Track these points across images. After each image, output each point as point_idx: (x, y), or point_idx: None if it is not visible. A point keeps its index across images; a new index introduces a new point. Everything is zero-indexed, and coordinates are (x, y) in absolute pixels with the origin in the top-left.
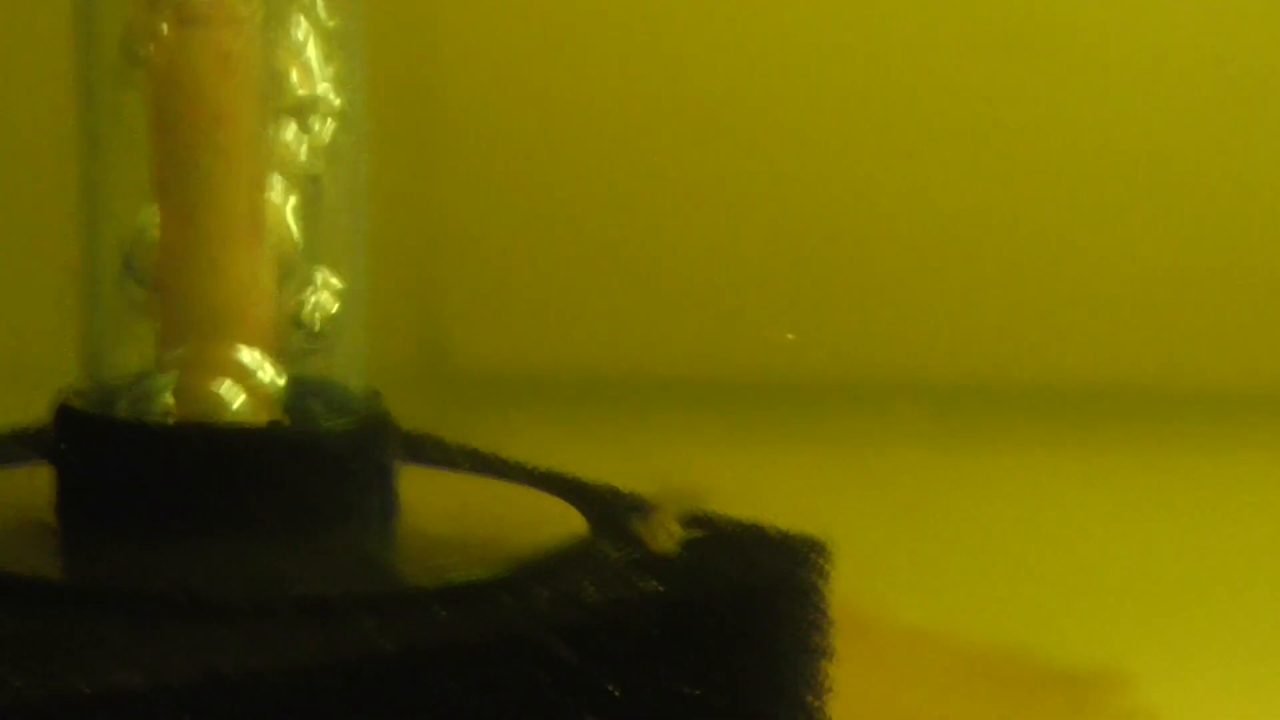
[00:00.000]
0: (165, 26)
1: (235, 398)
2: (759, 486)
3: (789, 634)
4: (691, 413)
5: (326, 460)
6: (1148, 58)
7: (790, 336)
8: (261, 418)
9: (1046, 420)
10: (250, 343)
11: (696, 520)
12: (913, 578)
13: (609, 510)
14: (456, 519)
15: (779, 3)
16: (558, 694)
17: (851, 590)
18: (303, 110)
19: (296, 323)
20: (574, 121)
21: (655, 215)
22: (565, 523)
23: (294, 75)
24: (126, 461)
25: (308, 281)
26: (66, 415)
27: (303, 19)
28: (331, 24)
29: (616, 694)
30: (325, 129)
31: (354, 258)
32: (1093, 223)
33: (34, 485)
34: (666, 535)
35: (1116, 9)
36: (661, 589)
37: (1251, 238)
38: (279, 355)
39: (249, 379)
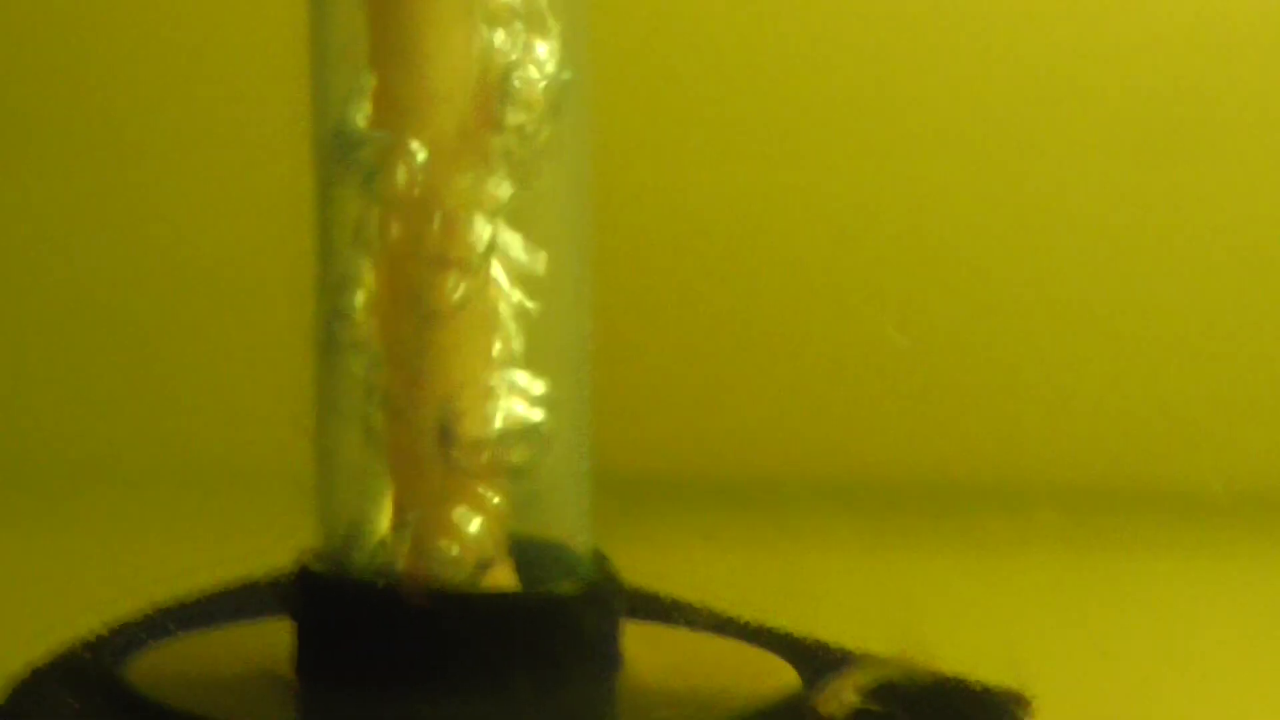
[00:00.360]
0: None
1: (469, 560)
2: (902, 590)
3: None
4: (834, 515)
5: (561, 623)
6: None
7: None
8: (494, 580)
9: (1198, 523)
10: (483, 505)
11: (883, 690)
12: (1066, 683)
13: (819, 664)
14: (675, 673)
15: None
16: None
17: None
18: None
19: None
20: (723, 224)
21: (803, 315)
22: (777, 676)
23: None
24: (368, 624)
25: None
26: (307, 578)
27: None
28: None
29: None
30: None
31: (579, 424)
32: (1246, 325)
33: (271, 639)
34: (839, 704)
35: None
36: None
37: None
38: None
39: (479, 541)
